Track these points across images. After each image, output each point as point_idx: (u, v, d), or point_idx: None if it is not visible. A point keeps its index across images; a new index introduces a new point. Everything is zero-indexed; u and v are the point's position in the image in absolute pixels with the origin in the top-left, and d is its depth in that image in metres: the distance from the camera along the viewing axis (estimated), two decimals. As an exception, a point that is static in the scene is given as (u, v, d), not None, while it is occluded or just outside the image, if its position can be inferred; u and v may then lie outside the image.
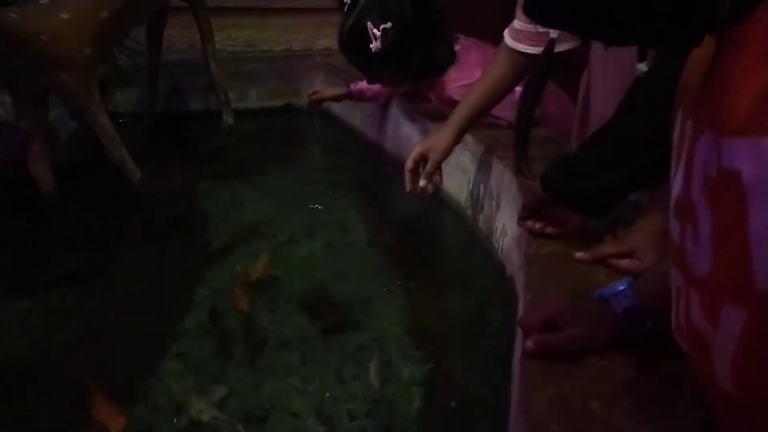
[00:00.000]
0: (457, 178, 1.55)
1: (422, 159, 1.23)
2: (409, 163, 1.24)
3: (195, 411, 0.93)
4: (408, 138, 1.80)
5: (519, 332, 0.94)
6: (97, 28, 1.41)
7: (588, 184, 0.87)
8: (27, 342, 1.11)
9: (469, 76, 1.47)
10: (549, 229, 0.97)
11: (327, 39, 2.55)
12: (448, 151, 1.24)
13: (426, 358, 1.07)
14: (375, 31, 1.39)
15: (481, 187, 1.42)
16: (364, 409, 0.95)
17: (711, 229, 0.41)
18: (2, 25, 1.26)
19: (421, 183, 1.23)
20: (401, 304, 1.23)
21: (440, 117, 1.61)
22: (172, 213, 1.64)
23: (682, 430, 0.56)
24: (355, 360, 1.06)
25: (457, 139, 1.25)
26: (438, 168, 1.24)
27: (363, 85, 1.81)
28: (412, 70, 1.49)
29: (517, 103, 1.49)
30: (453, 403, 0.98)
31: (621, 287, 0.68)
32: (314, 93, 1.92)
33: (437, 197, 1.41)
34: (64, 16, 1.34)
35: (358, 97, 1.87)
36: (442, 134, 1.24)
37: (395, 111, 1.86)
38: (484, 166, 1.41)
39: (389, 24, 1.39)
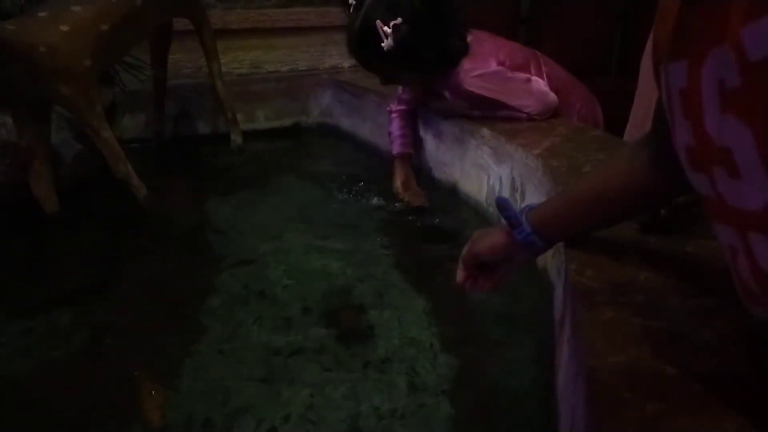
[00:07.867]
0: (476, 176, 1.47)
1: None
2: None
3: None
4: (422, 142, 1.74)
5: (558, 309, 0.86)
6: (98, 40, 1.38)
7: None
8: (28, 361, 1.04)
9: (483, 66, 1.41)
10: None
11: (333, 57, 2.52)
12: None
13: (455, 361, 0.99)
14: (385, 28, 1.30)
15: (503, 180, 1.34)
16: (389, 418, 0.87)
17: (754, 143, 0.36)
18: (0, 37, 1.22)
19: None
20: (425, 307, 1.14)
21: (456, 116, 1.55)
22: (178, 231, 1.57)
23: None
24: (378, 366, 0.98)
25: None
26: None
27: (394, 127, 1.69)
28: (426, 66, 1.40)
29: (534, 92, 1.43)
30: (488, 405, 0.90)
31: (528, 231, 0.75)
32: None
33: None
34: (64, 28, 1.31)
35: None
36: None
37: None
38: (504, 158, 1.34)
39: (399, 20, 1.30)
